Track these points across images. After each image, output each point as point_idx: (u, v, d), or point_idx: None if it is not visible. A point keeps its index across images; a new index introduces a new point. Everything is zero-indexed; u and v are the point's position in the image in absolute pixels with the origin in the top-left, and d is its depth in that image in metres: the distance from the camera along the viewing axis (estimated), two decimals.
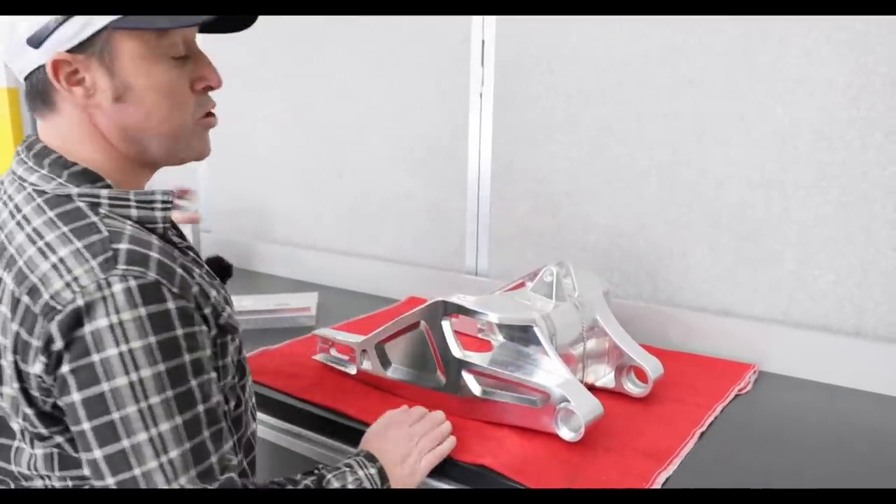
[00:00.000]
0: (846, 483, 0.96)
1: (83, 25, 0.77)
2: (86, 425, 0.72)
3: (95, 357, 0.71)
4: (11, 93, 3.14)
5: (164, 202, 0.84)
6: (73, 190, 0.80)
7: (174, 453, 0.73)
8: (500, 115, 1.65)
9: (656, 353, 1.22)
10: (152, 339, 0.72)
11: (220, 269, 1.04)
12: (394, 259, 1.92)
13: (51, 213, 0.78)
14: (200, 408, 0.76)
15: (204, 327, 0.80)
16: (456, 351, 1.11)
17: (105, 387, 0.71)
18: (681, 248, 1.45)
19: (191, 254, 0.92)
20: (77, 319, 0.71)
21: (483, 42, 1.64)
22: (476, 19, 1.64)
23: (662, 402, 1.18)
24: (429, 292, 1.71)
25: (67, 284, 0.72)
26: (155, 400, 0.72)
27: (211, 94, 0.90)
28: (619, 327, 1.22)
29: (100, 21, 0.77)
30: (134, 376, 0.71)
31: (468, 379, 1.10)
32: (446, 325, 1.12)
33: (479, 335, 1.44)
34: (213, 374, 0.80)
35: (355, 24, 1.87)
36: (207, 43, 0.95)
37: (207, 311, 0.81)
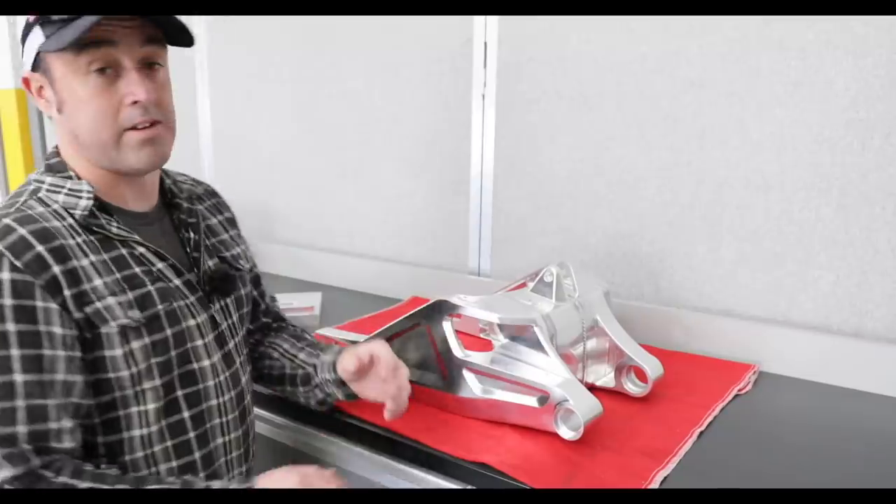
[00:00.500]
0: (845, 483, 0.97)
1: (30, 49, 0.91)
2: None
3: None
4: (19, 93, 3.15)
5: (88, 191, 0.92)
6: (32, 176, 0.95)
7: None
8: (502, 117, 1.66)
9: (657, 353, 1.23)
10: None
11: (221, 280, 1.05)
12: (396, 259, 1.93)
13: (11, 193, 0.94)
14: (17, 377, 0.81)
15: (53, 305, 0.84)
16: (457, 350, 1.12)
17: None
18: (682, 249, 1.46)
19: (138, 248, 0.94)
20: None
21: (485, 44, 1.65)
22: (479, 22, 1.65)
23: (662, 401, 1.19)
24: (431, 292, 1.72)
25: None
26: None
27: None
28: (619, 327, 1.23)
29: (34, 46, 0.89)
30: None
31: (469, 378, 1.11)
32: (447, 325, 1.14)
33: (481, 335, 1.45)
34: (61, 353, 0.84)
35: (358, 26, 1.89)
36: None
37: (69, 293, 0.85)
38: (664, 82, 1.42)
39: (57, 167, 0.95)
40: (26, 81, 0.93)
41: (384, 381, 1.03)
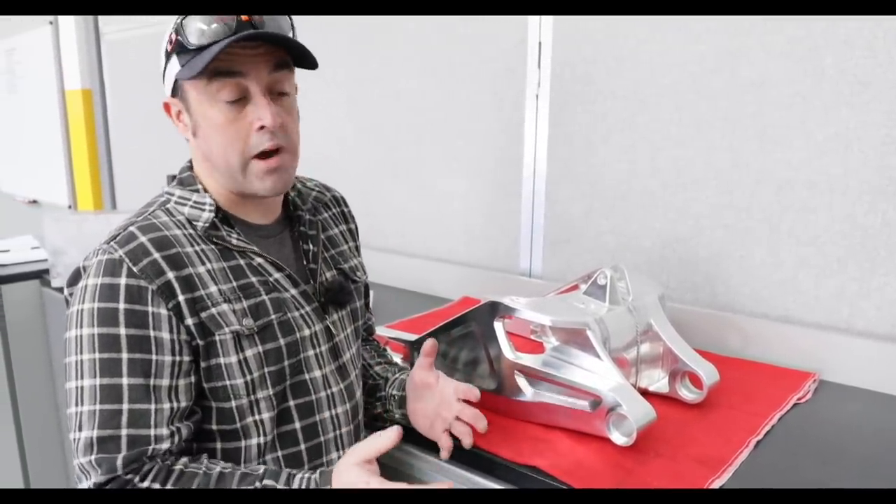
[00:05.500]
0: None
1: (169, 77, 0.95)
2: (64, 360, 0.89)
3: (70, 309, 0.89)
4: (85, 94, 3.27)
5: (211, 204, 0.96)
6: (164, 189, 1.00)
7: (87, 382, 0.86)
8: (555, 117, 1.65)
9: (713, 359, 1.20)
10: (96, 304, 0.86)
11: (337, 292, 1.07)
12: (447, 259, 1.94)
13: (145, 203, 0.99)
14: (124, 381, 0.85)
15: (163, 311, 0.87)
16: (508, 353, 1.12)
17: (65, 334, 0.88)
18: (739, 252, 1.42)
19: (256, 259, 0.97)
20: (76, 277, 0.91)
21: (540, 44, 1.64)
22: (533, 21, 1.64)
23: (717, 409, 1.16)
24: (482, 293, 1.71)
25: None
26: (86, 356, 0.86)
27: None
28: (673, 332, 1.21)
29: (172, 74, 0.94)
30: (77, 332, 0.87)
31: (520, 380, 1.11)
32: (499, 327, 1.13)
33: (532, 336, 1.44)
34: (168, 358, 0.87)
35: (412, 26, 1.90)
36: None
37: (183, 297, 0.88)
38: (723, 82, 1.39)
39: (186, 181, 0.99)
40: (167, 106, 0.98)
41: (440, 405, 1.03)
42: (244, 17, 0.90)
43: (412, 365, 1.29)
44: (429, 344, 1.06)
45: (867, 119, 1.24)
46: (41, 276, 2.30)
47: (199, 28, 0.89)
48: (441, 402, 1.04)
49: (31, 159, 3.88)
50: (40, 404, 2.36)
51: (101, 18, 3.19)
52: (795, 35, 1.29)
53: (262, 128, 0.93)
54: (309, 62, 0.98)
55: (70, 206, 3.54)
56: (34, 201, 3.92)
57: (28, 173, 3.96)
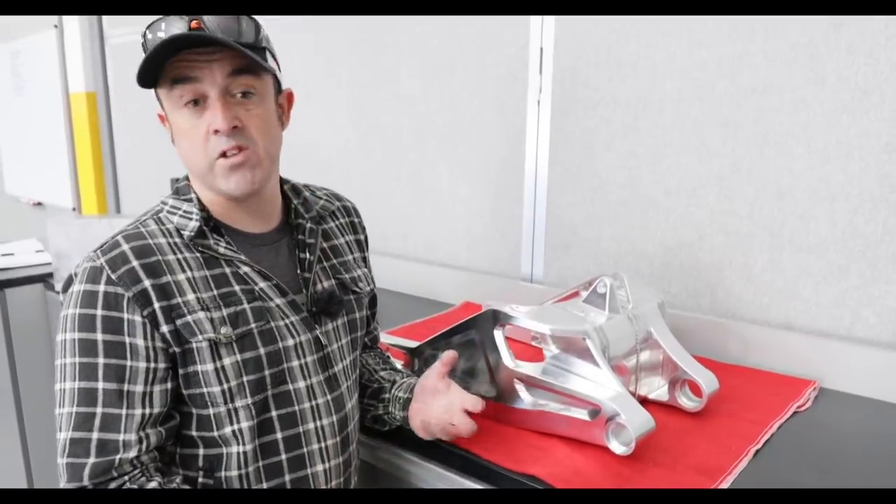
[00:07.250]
0: None
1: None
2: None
3: (60, 314, 0.92)
4: (90, 97, 3.28)
5: (197, 214, 0.97)
6: (161, 199, 1.02)
7: (68, 384, 0.89)
8: (557, 123, 1.65)
9: (713, 366, 1.20)
10: (78, 310, 0.89)
11: (326, 302, 1.06)
12: (449, 264, 1.94)
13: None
14: (100, 385, 0.88)
15: (138, 318, 0.89)
16: (508, 361, 1.12)
17: (55, 338, 0.92)
18: (741, 260, 1.42)
19: (243, 268, 0.97)
20: (69, 283, 0.93)
21: (541, 49, 1.64)
22: (535, 26, 1.64)
23: (717, 417, 1.16)
24: (483, 298, 1.72)
25: None
26: (68, 360, 0.89)
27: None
28: (673, 340, 1.21)
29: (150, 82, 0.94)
30: (62, 336, 0.90)
31: (519, 389, 1.11)
32: (499, 335, 1.13)
33: (532, 342, 1.44)
34: (142, 364, 0.90)
35: (415, 31, 1.90)
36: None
37: (158, 305, 0.90)
38: (725, 88, 1.39)
39: (182, 190, 1.01)
40: (160, 116, 1.00)
41: (445, 411, 1.03)
42: (194, 24, 0.89)
43: (413, 372, 1.29)
44: (448, 355, 1.08)
45: (868, 127, 1.24)
46: (45, 279, 2.31)
47: (150, 38, 0.91)
48: (447, 408, 1.03)
49: (35, 161, 3.89)
50: (44, 407, 2.36)
51: (106, 22, 3.20)
52: (797, 42, 1.29)
53: (216, 132, 0.92)
54: (261, 65, 0.93)
55: (74, 209, 3.55)
56: (39, 203, 3.93)
57: (33, 175, 3.98)
